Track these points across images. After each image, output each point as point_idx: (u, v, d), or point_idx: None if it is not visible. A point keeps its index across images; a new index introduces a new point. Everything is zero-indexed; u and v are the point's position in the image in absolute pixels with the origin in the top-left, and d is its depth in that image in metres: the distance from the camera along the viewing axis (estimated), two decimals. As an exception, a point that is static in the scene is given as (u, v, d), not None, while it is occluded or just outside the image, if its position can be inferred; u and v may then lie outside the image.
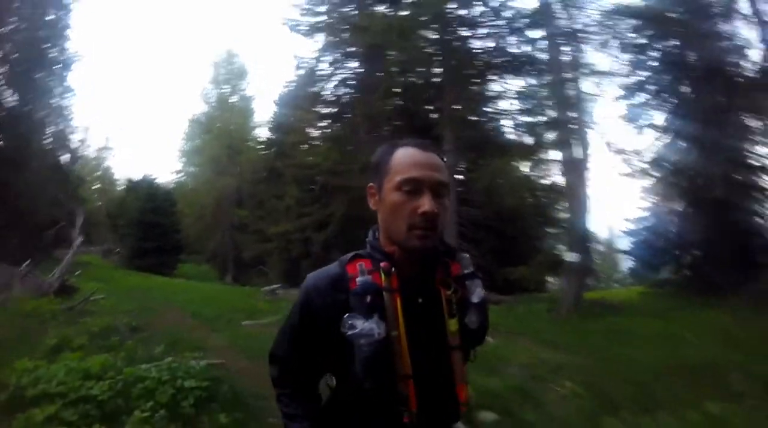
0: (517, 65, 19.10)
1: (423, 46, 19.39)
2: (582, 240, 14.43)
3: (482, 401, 4.76)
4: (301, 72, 23.97)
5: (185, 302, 12.97)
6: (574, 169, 15.04)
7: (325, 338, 1.28)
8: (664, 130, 20.67)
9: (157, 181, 35.43)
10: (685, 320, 10.98)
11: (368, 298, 1.24)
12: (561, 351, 8.19)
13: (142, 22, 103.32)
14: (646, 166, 20.31)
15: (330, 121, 23.71)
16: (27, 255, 10.72)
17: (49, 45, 21.95)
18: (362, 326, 1.22)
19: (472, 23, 19.45)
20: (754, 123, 15.94)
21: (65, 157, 24.39)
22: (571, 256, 13.65)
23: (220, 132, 36.65)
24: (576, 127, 15.73)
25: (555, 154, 17.32)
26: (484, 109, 20.83)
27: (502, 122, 20.67)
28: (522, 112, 19.63)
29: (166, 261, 29.15)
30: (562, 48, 16.88)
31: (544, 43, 16.91)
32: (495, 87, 20.44)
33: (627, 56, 19.56)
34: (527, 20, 18.04)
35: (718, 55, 16.57)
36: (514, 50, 19.18)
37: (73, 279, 11.10)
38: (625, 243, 25.94)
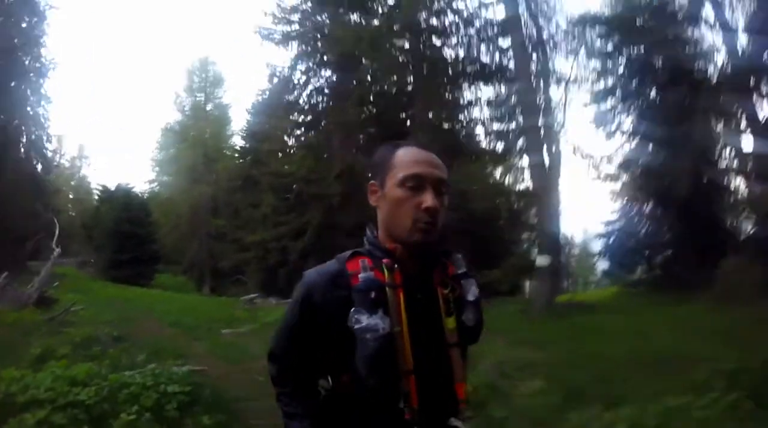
0: (488, 73, 19.52)
1: (395, 54, 19.69)
2: (553, 243, 14.81)
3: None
4: (275, 80, 24.12)
5: (164, 312, 13.06)
6: (544, 173, 15.42)
7: (325, 334, 1.30)
8: (632, 133, 21.31)
9: (133, 189, 35.19)
10: (654, 317, 11.38)
11: (372, 294, 1.26)
12: (531, 349, 8.43)
13: (115, 30, 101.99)
14: (615, 169, 20.93)
15: (304, 129, 23.84)
16: (4, 267, 10.71)
17: (24, 53, 21.80)
18: (367, 321, 1.24)
19: (443, 32, 19.85)
20: (719, 125, 16.43)
21: (39, 167, 24.17)
22: (542, 259, 14.01)
23: (195, 140, 36.46)
24: (545, 133, 16.13)
25: (526, 160, 17.70)
26: (456, 115, 21.23)
27: (474, 129, 21.11)
28: (493, 118, 20.08)
29: (142, 272, 28.86)
30: (531, 56, 17.36)
31: (514, 51, 17.28)
32: (466, 94, 20.84)
33: (595, 63, 20.16)
34: (497, 29, 18.49)
35: (684, 60, 17.14)
36: (484, 59, 19.66)
37: (51, 291, 11.14)
38: (599, 246, 26.57)
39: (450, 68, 20.28)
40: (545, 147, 15.98)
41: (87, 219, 37.94)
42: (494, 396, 5.54)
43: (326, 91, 22.98)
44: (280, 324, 1.45)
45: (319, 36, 21.98)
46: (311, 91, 23.13)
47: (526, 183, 19.29)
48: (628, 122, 21.43)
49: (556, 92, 18.18)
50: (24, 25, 21.96)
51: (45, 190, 23.76)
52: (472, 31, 19.34)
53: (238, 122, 40.46)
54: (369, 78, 20.91)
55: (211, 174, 35.41)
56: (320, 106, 23.06)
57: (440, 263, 1.37)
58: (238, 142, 36.24)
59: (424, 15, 19.29)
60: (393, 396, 1.25)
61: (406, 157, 1.32)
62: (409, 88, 20.77)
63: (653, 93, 20.47)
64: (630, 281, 21.99)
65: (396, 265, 1.29)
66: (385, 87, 20.83)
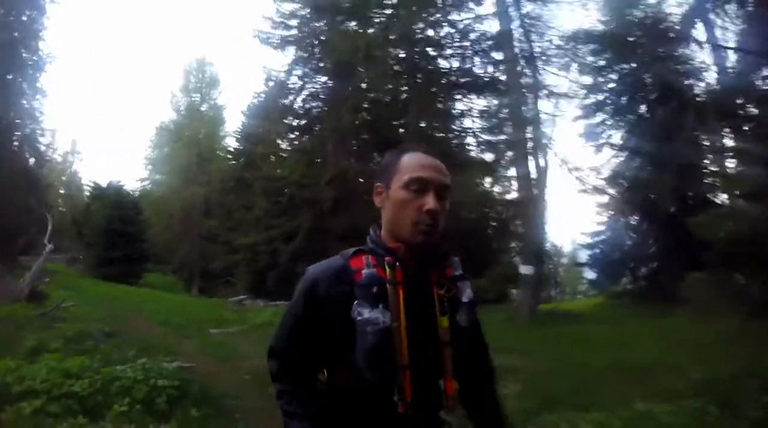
0: (480, 85, 19.83)
1: (390, 63, 19.94)
2: (537, 253, 15.08)
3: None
4: (271, 84, 24.22)
5: (154, 311, 13.17)
6: (530, 185, 15.69)
7: (327, 328, 1.34)
8: (620, 148, 21.65)
9: (124, 187, 34.86)
10: (635, 327, 11.65)
11: (374, 289, 1.30)
12: (513, 355, 8.67)
13: (112, 26, 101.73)
14: (602, 182, 21.25)
15: (298, 133, 24.01)
16: (-3, 261, 10.82)
17: (23, 46, 21.80)
18: (369, 314, 1.28)
19: (438, 43, 20.14)
20: (706, 141, 16.69)
21: (32, 161, 24.14)
22: (526, 269, 14.26)
23: (189, 140, 36.33)
24: (533, 145, 16.40)
25: (514, 170, 17.96)
26: (448, 125, 21.51)
27: (465, 139, 21.43)
28: (484, 129, 20.37)
29: (132, 271, 28.74)
30: (523, 69, 17.67)
31: (506, 65, 17.56)
32: (459, 105, 21.18)
33: (586, 78, 20.48)
34: (491, 42, 18.79)
35: (674, 77, 17.46)
36: (478, 71, 19.97)
37: (42, 286, 11.27)
38: (585, 256, 26.86)
39: (444, 79, 20.60)
40: (533, 159, 16.25)
41: (78, 216, 37.66)
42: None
43: (321, 96, 23.18)
44: (282, 319, 1.48)
45: (316, 42, 22.17)
46: (306, 95, 23.30)
47: (514, 193, 19.55)
48: (617, 137, 21.85)
49: (546, 106, 18.55)
50: (24, 18, 21.97)
51: (38, 184, 23.66)
52: (466, 43, 19.70)
53: (233, 123, 40.54)
54: (364, 85, 21.12)
55: (204, 174, 35.26)
56: (315, 111, 23.22)
57: (439, 264, 1.43)
58: (232, 143, 35.89)
59: (420, 26, 19.59)
60: (388, 389, 1.29)
61: (412, 162, 1.39)
62: (403, 96, 21.00)
63: (643, 109, 20.87)
64: (615, 292, 22.26)
65: (398, 263, 1.34)
66: (380, 95, 20.96)
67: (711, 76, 16.64)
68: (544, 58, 18.64)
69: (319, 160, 21.87)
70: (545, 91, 18.41)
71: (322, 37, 21.85)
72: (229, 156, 34.87)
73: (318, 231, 19.83)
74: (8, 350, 5.40)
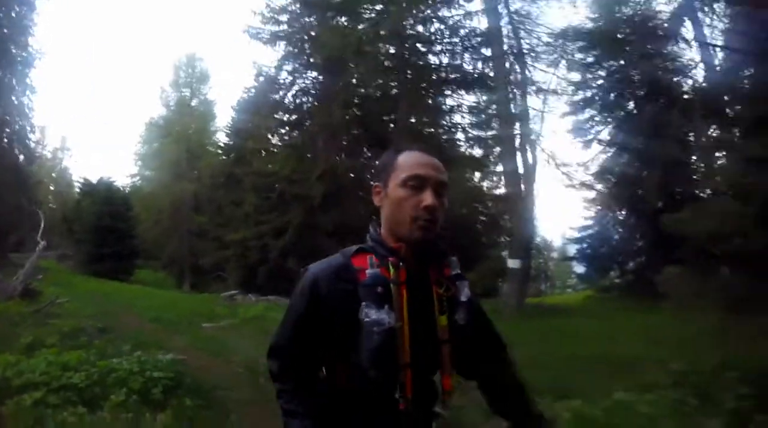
0: (470, 81, 19.97)
1: (380, 59, 20.02)
2: (524, 247, 15.28)
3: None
4: (261, 79, 24.20)
5: (146, 307, 13.27)
6: (518, 180, 15.87)
7: (328, 326, 1.35)
8: (608, 143, 21.90)
9: (115, 183, 34.77)
10: (620, 321, 11.87)
11: (379, 289, 1.31)
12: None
13: (101, 22, 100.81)
14: (590, 177, 21.51)
15: (288, 128, 24.06)
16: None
17: (12, 42, 21.70)
18: (375, 315, 1.29)
19: (428, 39, 20.25)
20: (692, 137, 16.89)
21: (21, 157, 24.01)
22: (513, 262, 14.47)
23: (179, 136, 36.13)
24: (521, 141, 16.59)
25: (502, 166, 18.14)
26: (438, 121, 21.65)
27: (455, 134, 21.56)
28: (473, 125, 20.54)
29: (122, 267, 28.74)
30: (513, 66, 17.85)
31: (494, 62, 17.70)
32: (448, 101, 21.31)
33: (575, 74, 20.67)
34: (480, 39, 18.92)
35: (662, 74, 17.67)
36: (467, 67, 20.11)
37: (35, 284, 11.36)
38: (573, 251, 27.15)
39: (433, 74, 20.72)
40: (521, 154, 16.43)
41: (68, 213, 37.52)
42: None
43: (312, 91, 23.20)
44: (283, 318, 1.48)
45: (306, 37, 22.21)
46: (297, 91, 23.33)
47: (502, 188, 19.73)
48: (605, 133, 22.10)
49: (535, 102, 18.75)
50: (13, 14, 21.88)
51: (28, 181, 23.59)
52: (456, 39, 19.82)
53: (223, 119, 40.31)
54: (354, 81, 21.20)
55: (193, 170, 35.24)
56: (305, 106, 23.26)
57: (438, 263, 1.44)
58: (222, 138, 35.86)
59: (410, 22, 19.68)
60: (391, 387, 1.32)
61: (409, 160, 1.40)
62: (394, 92, 21.05)
63: (631, 105, 21.12)
64: (603, 286, 22.51)
65: (401, 263, 1.36)
66: (370, 90, 21.09)
67: (699, 74, 16.84)
68: (533, 54, 18.84)
69: (309, 156, 21.91)
70: (534, 88, 18.64)
71: (313, 33, 21.87)
72: (219, 151, 34.84)
73: (308, 226, 19.96)
74: (5, 346, 5.53)
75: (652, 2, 17.57)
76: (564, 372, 6.46)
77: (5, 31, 21.21)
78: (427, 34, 20.24)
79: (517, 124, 16.89)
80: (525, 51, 18.50)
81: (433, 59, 20.77)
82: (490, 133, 19.64)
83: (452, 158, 19.12)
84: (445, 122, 21.77)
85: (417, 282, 1.37)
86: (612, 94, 21.71)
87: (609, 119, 22.09)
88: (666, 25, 17.29)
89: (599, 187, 22.19)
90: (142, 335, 7.88)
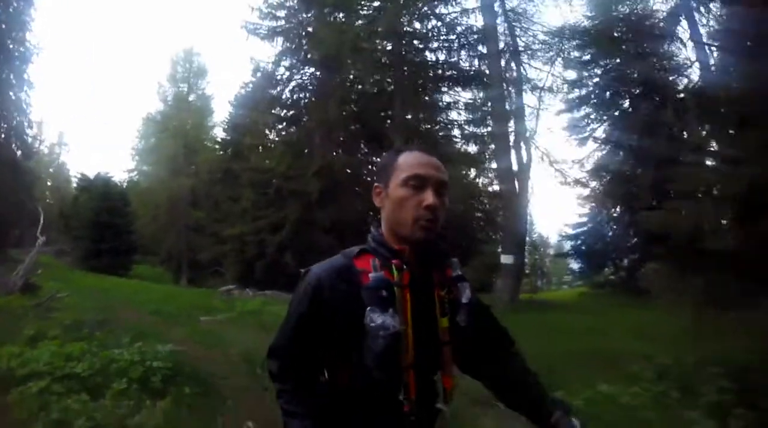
0: (466, 78, 20.11)
1: (377, 56, 20.14)
2: (517, 243, 15.45)
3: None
4: (259, 74, 24.32)
5: (144, 301, 13.40)
6: (511, 177, 16.03)
7: (329, 328, 1.34)
8: (603, 141, 22.08)
9: (112, 179, 35.04)
10: (610, 316, 12.07)
11: (383, 293, 1.30)
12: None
13: (99, 16, 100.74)
14: (585, 174, 21.70)
15: (285, 124, 24.18)
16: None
17: (10, 37, 21.75)
18: (380, 319, 1.28)
19: (424, 36, 20.37)
20: (686, 135, 17.01)
21: (19, 153, 24.05)
22: (506, 258, 14.65)
23: (176, 131, 36.21)
24: (515, 138, 16.73)
25: (496, 163, 18.29)
26: (434, 117, 21.79)
27: (452, 131, 21.72)
28: (469, 122, 20.68)
29: (120, 263, 28.91)
30: (509, 63, 17.98)
31: (489, 59, 17.82)
32: (445, 98, 21.45)
33: (571, 72, 20.82)
34: (477, 36, 19.05)
35: (658, 73, 17.79)
36: (463, 64, 20.25)
37: (35, 278, 11.52)
38: (569, 247, 27.33)
39: (430, 71, 20.86)
40: (515, 152, 16.58)
41: (65, 208, 37.63)
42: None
43: (309, 87, 23.34)
44: (284, 319, 1.47)
45: (303, 34, 22.31)
46: (294, 87, 23.50)
47: (496, 185, 19.88)
48: (600, 131, 22.28)
49: (530, 99, 18.92)
50: (11, 10, 21.89)
51: (26, 177, 23.68)
52: (452, 36, 19.94)
53: (220, 114, 40.32)
54: (351, 77, 21.32)
55: (191, 165, 35.27)
56: (302, 102, 23.40)
57: (440, 265, 1.45)
58: (219, 134, 35.98)
59: (406, 19, 19.78)
60: (394, 388, 1.32)
61: (409, 160, 1.40)
62: (390, 88, 21.24)
63: (626, 103, 21.29)
64: (597, 282, 22.76)
65: (405, 266, 1.36)
66: (367, 87, 21.20)
67: (695, 73, 16.94)
68: (529, 52, 19.02)
69: (306, 152, 22.04)
70: (529, 85, 18.82)
71: (310, 29, 21.99)
72: (217, 147, 34.85)
73: (305, 222, 20.12)
74: (9, 338, 5.68)
75: (648, 1, 17.68)
76: (552, 365, 6.50)
77: (3, 26, 21.26)
78: (424, 31, 20.39)
79: (512, 122, 17.04)
80: (521, 49, 18.69)
81: (429, 56, 20.94)
82: (485, 130, 19.79)
83: (448, 155, 19.27)
84: (441, 119, 21.93)
85: (420, 284, 1.38)
86: (608, 92, 21.90)
87: (604, 117, 22.29)
88: (662, 24, 17.38)
89: (593, 184, 22.45)
90: (141, 327, 8.02)
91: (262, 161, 23.62)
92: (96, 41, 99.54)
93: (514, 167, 16.45)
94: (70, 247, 31.36)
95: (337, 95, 20.64)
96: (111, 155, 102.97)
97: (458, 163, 19.06)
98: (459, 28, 19.69)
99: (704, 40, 15.58)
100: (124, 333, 6.71)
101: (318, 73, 22.70)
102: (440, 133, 21.47)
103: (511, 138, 16.79)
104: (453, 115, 21.62)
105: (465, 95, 21.04)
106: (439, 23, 19.97)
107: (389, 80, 21.28)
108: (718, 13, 14.53)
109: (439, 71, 20.63)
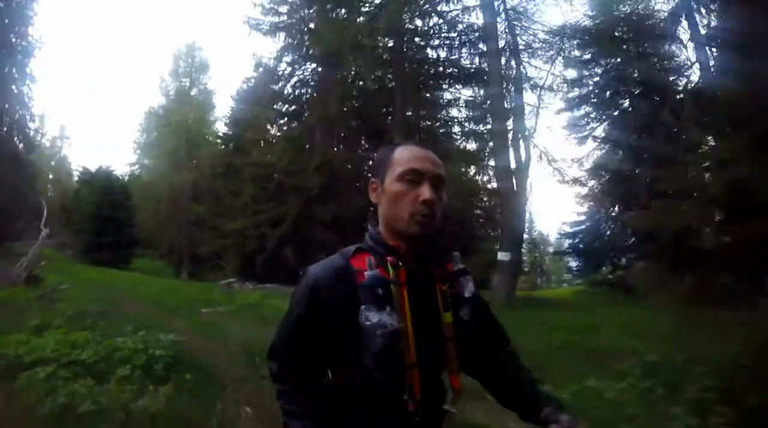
0: (466, 76, 20.21)
1: (378, 53, 20.22)
2: (514, 241, 15.57)
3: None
4: (261, 70, 24.39)
5: (146, 294, 13.60)
6: (509, 175, 16.14)
7: (327, 328, 1.32)
8: (603, 140, 22.21)
9: (114, 172, 34.95)
10: (604, 314, 12.16)
11: (379, 291, 1.28)
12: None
13: (101, 10, 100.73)
14: (584, 173, 21.82)
15: (287, 119, 24.29)
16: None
17: (13, 32, 21.90)
18: (376, 318, 1.26)
19: (426, 34, 20.45)
20: (686, 135, 17.09)
21: (21, 146, 24.23)
22: (503, 255, 14.77)
23: (178, 125, 36.25)
24: (514, 136, 16.84)
25: (494, 161, 18.37)
26: (435, 114, 21.91)
27: (452, 128, 21.83)
28: (469, 119, 20.80)
29: (121, 256, 28.99)
30: (510, 62, 18.08)
31: (489, 57, 17.91)
32: (445, 95, 21.55)
33: (571, 71, 20.90)
34: (478, 34, 19.13)
35: (658, 72, 17.88)
36: (464, 61, 20.35)
37: (38, 270, 11.71)
38: (567, 245, 27.47)
39: (431, 68, 20.96)
40: (513, 150, 16.69)
41: (66, 201, 37.71)
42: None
43: (311, 83, 23.42)
44: (283, 319, 1.46)
45: (305, 29, 22.38)
46: (296, 82, 23.57)
47: (495, 183, 19.97)
48: (599, 130, 22.40)
49: (530, 98, 19.03)
50: (14, 4, 22.01)
51: (28, 170, 23.83)
52: (453, 34, 20.03)
53: (222, 109, 40.42)
54: (352, 73, 21.41)
55: (192, 160, 35.37)
56: (304, 97, 23.50)
57: (439, 260, 1.42)
58: (221, 128, 36.08)
59: (408, 15, 19.85)
60: (397, 388, 1.30)
61: (405, 154, 1.38)
62: (391, 85, 21.30)
63: (626, 103, 21.39)
64: (595, 280, 22.89)
65: (400, 263, 1.33)
66: (368, 83, 21.23)
67: (696, 73, 16.99)
68: (529, 51, 19.11)
69: (307, 147, 22.14)
70: (529, 84, 18.93)
71: (312, 25, 22.07)
72: (218, 141, 34.94)
73: (305, 217, 20.25)
74: (15, 327, 5.86)
75: (650, 1, 17.75)
76: (543, 360, 6.61)
77: (6, 21, 21.39)
78: (425, 28, 20.46)
79: (511, 120, 17.16)
80: (521, 47, 18.78)
81: (430, 53, 21.05)
82: (485, 127, 19.90)
83: (448, 152, 19.39)
84: (441, 116, 22.05)
85: (418, 280, 1.35)
86: (608, 92, 22.00)
87: (604, 116, 22.40)
88: (663, 24, 17.44)
89: (592, 183, 22.58)
90: (143, 318, 8.19)
91: (264, 156, 23.64)
92: (98, 35, 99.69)
93: (513, 165, 16.52)
94: (71, 240, 31.34)
95: (338, 91, 20.71)
96: (113, 149, 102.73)
97: (458, 160, 19.15)
98: (460, 26, 19.78)
99: (704, 40, 15.61)
100: (126, 324, 6.87)
101: (319, 69, 22.75)
102: (440, 130, 21.59)
103: (510, 136, 16.89)
104: (453, 112, 21.77)
105: (465, 93, 21.17)
106: (441, 20, 20.05)
107: (390, 77, 21.38)
108: (717, 14, 14.62)
109: (440, 68, 20.72)
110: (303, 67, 23.54)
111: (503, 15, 17.96)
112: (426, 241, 1.37)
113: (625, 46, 19.46)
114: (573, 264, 30.74)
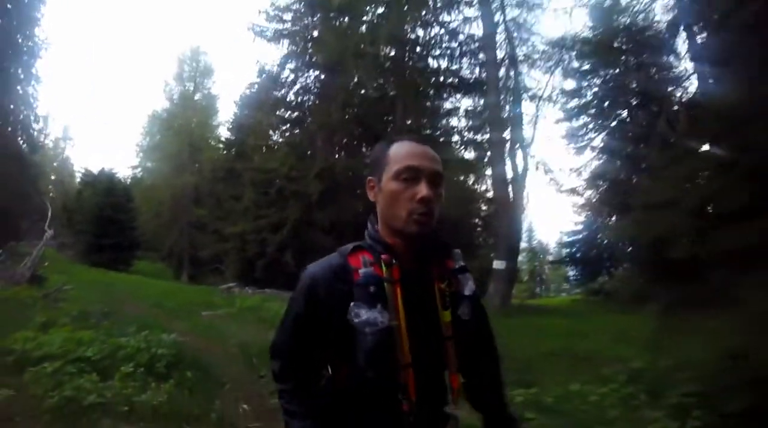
0: (466, 85, 20.45)
1: (380, 61, 20.45)
2: (510, 249, 15.72)
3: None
4: (264, 76, 24.61)
5: (147, 296, 13.80)
6: (506, 184, 16.32)
7: (326, 327, 1.31)
8: (601, 150, 22.43)
9: (116, 175, 35.31)
10: (597, 321, 12.34)
11: (371, 289, 1.26)
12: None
13: (107, 13, 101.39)
14: (582, 183, 22.02)
15: (289, 125, 24.52)
16: (-1, 245, 11.39)
17: (20, 33, 22.12)
18: (366, 315, 1.25)
19: (427, 43, 20.70)
20: (677, 145, 17.23)
21: (25, 147, 24.39)
22: (498, 263, 14.93)
23: (181, 129, 36.58)
24: (511, 146, 17.03)
25: (491, 170, 18.56)
26: (435, 123, 22.13)
27: (452, 137, 22.03)
28: (469, 129, 21.02)
29: (122, 258, 29.21)
30: (508, 72, 18.29)
31: (487, 67, 18.12)
32: (446, 104, 21.88)
33: (570, 82, 21.12)
34: (478, 44, 19.37)
35: (656, 84, 18.08)
36: (464, 71, 20.60)
37: (41, 271, 11.92)
38: (565, 254, 27.67)
39: (432, 77, 21.19)
40: (511, 159, 16.89)
41: (69, 202, 37.93)
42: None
43: (313, 90, 23.66)
44: (282, 319, 1.44)
45: (309, 37, 22.65)
46: (298, 89, 23.81)
47: (492, 191, 20.12)
48: (597, 139, 22.63)
49: (530, 108, 19.24)
50: (21, 6, 22.21)
51: (31, 170, 24.01)
52: (454, 44, 20.29)
53: (225, 114, 40.65)
54: (354, 81, 21.63)
55: (194, 163, 35.61)
56: (306, 104, 23.74)
57: (439, 257, 1.39)
58: (223, 133, 36.42)
59: (409, 25, 20.10)
60: (391, 388, 1.27)
61: (401, 151, 1.33)
62: (392, 93, 21.53)
63: (624, 113, 21.61)
64: (591, 289, 23.04)
65: (394, 261, 1.30)
66: (369, 91, 21.52)
67: (694, 84, 17.18)
68: (529, 61, 19.35)
69: (308, 153, 22.35)
70: (528, 94, 19.14)
71: (315, 33, 22.32)
72: (221, 146, 35.18)
73: (305, 222, 20.40)
74: (21, 325, 6.07)
75: (649, 12, 17.96)
76: (532, 365, 6.78)
77: (14, 23, 21.63)
78: (427, 38, 20.72)
79: (509, 129, 17.34)
80: (521, 58, 19.01)
81: (431, 63, 21.33)
82: (484, 137, 20.10)
83: (447, 160, 19.57)
84: (441, 125, 22.29)
85: (415, 278, 1.33)
86: (606, 102, 22.25)
87: (603, 126, 22.63)
88: (661, 35, 17.63)
89: (590, 192, 22.78)
90: (144, 320, 8.35)
91: (265, 161, 23.76)
92: (104, 38, 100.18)
93: (510, 174, 16.72)
94: (73, 241, 31.55)
95: (340, 98, 20.91)
96: (115, 151, 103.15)
97: (456, 169, 19.33)
98: (461, 36, 20.06)
99: (700, 52, 15.75)
100: (128, 324, 7.07)
101: (322, 76, 23.02)
102: (440, 139, 21.78)
103: (508, 145, 17.09)
104: (453, 121, 22.07)
105: (465, 102, 21.42)
106: (442, 30, 20.35)
107: (391, 85, 21.58)
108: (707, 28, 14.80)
109: (441, 78, 20.97)
110: (306, 74, 23.84)
111: (503, 26, 18.15)
112: (425, 239, 1.34)
113: (623, 57, 19.71)
114: (571, 273, 30.94)
